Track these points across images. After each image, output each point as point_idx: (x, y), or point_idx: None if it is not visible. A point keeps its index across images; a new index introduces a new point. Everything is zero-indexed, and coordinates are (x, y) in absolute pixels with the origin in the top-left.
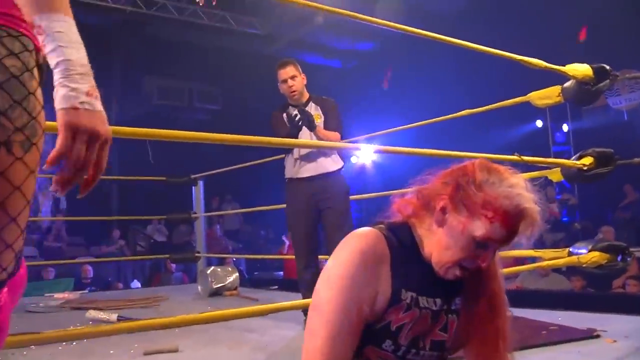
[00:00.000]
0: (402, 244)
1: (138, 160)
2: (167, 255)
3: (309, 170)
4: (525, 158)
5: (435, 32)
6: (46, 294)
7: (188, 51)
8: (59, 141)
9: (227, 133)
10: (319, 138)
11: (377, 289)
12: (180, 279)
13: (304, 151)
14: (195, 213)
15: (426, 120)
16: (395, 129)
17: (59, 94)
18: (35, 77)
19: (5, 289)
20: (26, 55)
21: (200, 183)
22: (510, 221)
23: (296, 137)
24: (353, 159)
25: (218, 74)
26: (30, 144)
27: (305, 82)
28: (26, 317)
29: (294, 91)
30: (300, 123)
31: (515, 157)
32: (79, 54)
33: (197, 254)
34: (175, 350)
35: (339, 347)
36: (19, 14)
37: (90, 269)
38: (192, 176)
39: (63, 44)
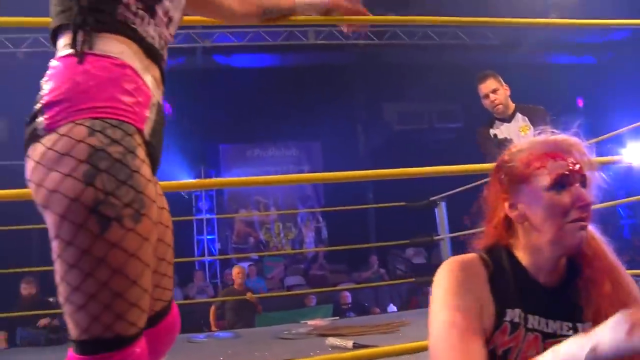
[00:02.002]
0: (500, 264)
1: (389, 187)
2: (412, 279)
3: None
4: None
5: None
6: (301, 321)
7: (423, 73)
8: None
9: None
10: None
11: (481, 302)
12: None
13: None
14: (439, 235)
15: None
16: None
17: None
18: (139, 156)
19: (141, 342)
20: (128, 140)
21: (443, 204)
22: (554, 151)
23: None
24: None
25: (456, 92)
26: (140, 215)
27: (508, 93)
28: (274, 344)
29: (498, 105)
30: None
31: None
32: None
33: None
34: None
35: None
36: (119, 104)
37: (349, 294)
38: (432, 198)
39: None
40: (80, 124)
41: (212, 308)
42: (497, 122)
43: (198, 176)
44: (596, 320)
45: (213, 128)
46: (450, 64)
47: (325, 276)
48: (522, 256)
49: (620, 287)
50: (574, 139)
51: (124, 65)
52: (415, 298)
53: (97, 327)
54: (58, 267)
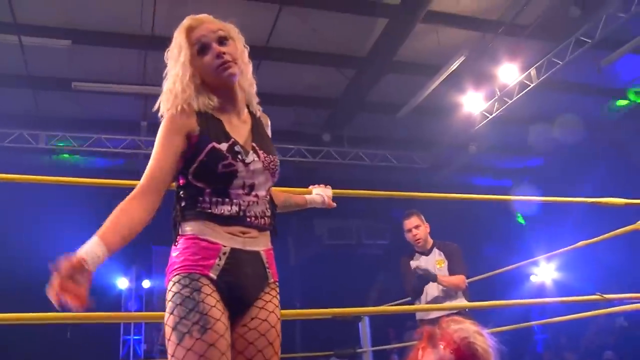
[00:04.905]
0: None
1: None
2: None
3: (436, 312)
4: (608, 296)
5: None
6: None
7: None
8: None
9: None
10: (443, 286)
11: None
12: None
13: (431, 295)
14: (362, 347)
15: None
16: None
17: None
18: (203, 291)
19: None
20: (194, 283)
21: (366, 319)
22: (458, 351)
23: (422, 288)
24: (532, 278)
25: (385, 210)
26: (205, 329)
27: (428, 230)
28: None
29: (418, 239)
30: (423, 283)
31: (596, 297)
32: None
33: None
34: None
35: None
36: (187, 262)
37: None
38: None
39: None
40: (170, 280)
41: None
42: (417, 254)
43: (130, 277)
44: None
45: (146, 229)
46: (380, 184)
47: None
48: None
49: None
50: (486, 353)
51: (194, 238)
52: None
53: None
54: None
